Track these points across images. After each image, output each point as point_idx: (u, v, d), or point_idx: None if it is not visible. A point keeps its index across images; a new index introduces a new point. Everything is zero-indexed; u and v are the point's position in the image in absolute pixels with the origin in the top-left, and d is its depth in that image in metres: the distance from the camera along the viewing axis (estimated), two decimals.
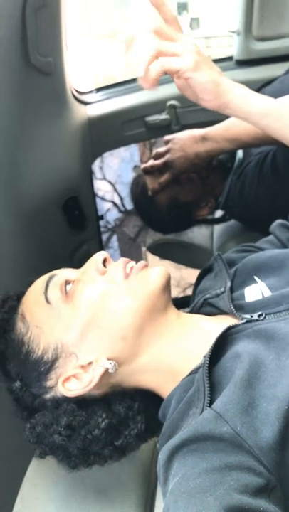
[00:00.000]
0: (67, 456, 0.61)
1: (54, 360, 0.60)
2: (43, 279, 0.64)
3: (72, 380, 0.59)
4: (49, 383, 0.60)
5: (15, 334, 0.62)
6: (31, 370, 0.60)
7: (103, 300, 0.59)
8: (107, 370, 0.58)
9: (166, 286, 0.62)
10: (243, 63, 1.50)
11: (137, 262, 0.64)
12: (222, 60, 1.54)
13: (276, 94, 0.95)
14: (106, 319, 0.59)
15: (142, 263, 0.63)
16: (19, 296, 0.68)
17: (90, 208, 1.35)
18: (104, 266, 0.64)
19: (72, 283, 0.62)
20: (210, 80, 0.68)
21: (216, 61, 1.55)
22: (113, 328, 0.59)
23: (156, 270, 0.63)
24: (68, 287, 0.62)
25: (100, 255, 0.64)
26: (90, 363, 0.59)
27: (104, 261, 0.64)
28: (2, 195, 0.94)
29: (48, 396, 0.61)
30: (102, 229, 1.60)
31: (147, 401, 0.63)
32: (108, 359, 0.59)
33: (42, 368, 0.60)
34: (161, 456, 0.50)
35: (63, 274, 0.64)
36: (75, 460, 0.61)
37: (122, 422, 0.60)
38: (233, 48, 1.52)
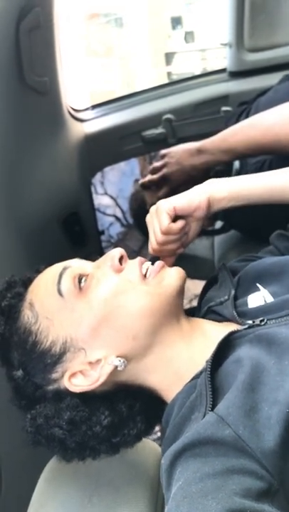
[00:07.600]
0: (63, 449, 0.60)
1: (62, 354, 0.59)
2: (56, 269, 0.63)
3: (79, 376, 0.59)
4: (54, 376, 0.60)
5: (21, 322, 0.61)
6: (37, 360, 0.59)
7: (119, 299, 0.58)
8: (115, 368, 0.58)
9: (183, 289, 0.62)
10: (237, 75, 1.51)
11: (152, 263, 0.63)
12: (216, 72, 1.56)
13: (271, 104, 0.96)
14: (120, 318, 0.58)
15: (159, 264, 0.62)
16: (25, 282, 0.67)
17: (90, 224, 1.36)
18: (120, 264, 0.62)
19: (87, 277, 0.61)
20: (189, 199, 0.71)
21: (209, 74, 1.58)
22: (126, 328, 0.58)
23: (175, 272, 0.62)
24: (82, 282, 0.60)
25: (117, 252, 0.62)
26: (98, 361, 0.58)
27: (121, 258, 0.63)
28: (2, 213, 0.95)
29: (50, 387, 0.60)
30: (104, 243, 1.60)
31: (148, 402, 0.62)
32: (117, 357, 0.58)
33: (48, 360, 0.59)
34: (164, 461, 0.50)
35: (77, 266, 0.62)
36: (71, 453, 0.61)
37: (122, 420, 0.59)
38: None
